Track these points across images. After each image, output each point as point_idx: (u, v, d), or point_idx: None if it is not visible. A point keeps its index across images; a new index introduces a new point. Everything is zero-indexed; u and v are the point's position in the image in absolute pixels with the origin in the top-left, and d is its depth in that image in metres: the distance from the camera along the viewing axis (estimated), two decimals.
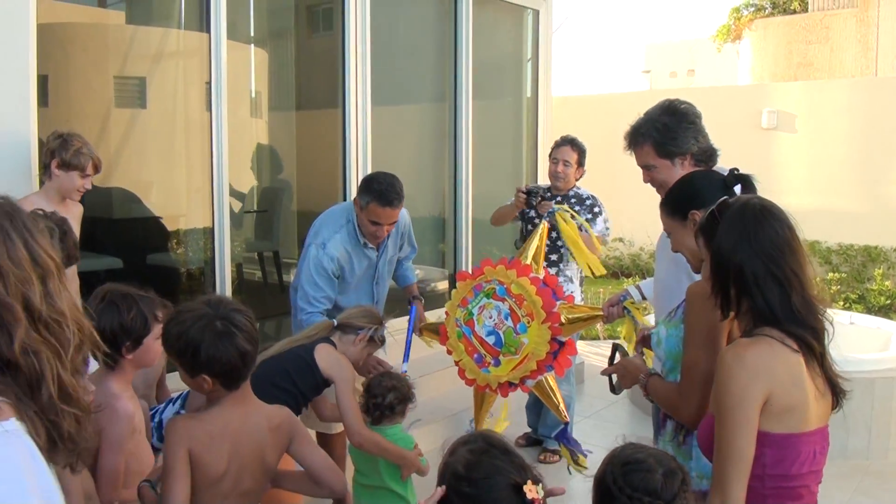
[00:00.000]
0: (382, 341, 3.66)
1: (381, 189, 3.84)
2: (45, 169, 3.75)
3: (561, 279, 4.79)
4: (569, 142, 5.23)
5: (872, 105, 10.20)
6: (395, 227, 4.14)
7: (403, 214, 4.26)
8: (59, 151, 3.69)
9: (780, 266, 2.07)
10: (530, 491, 1.82)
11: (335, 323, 3.62)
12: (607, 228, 5.16)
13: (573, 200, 5.12)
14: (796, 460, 2.05)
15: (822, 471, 2.14)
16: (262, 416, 2.37)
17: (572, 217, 4.76)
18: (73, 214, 3.87)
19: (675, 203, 2.69)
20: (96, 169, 3.81)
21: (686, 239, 2.61)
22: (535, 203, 4.96)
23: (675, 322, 2.61)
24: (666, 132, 3.16)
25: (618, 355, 2.97)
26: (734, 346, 2.09)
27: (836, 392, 2.13)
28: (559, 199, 5.13)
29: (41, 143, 3.99)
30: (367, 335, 3.55)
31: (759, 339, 2.05)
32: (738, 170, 2.70)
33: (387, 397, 3.36)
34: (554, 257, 5.04)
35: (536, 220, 4.90)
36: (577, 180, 5.25)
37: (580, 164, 5.21)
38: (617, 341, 3.27)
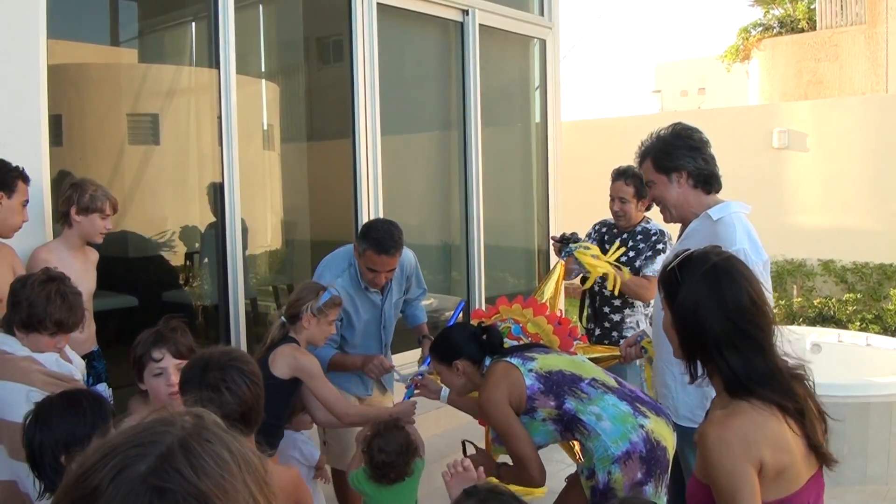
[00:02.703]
0: (337, 304, 3.66)
1: (378, 237, 3.83)
2: (64, 217, 3.79)
3: (627, 325, 4.65)
4: (621, 175, 4.68)
5: (884, 122, 10.18)
6: (400, 270, 4.16)
7: (409, 257, 4.27)
8: (75, 198, 3.74)
9: (750, 329, 2.03)
10: None
11: (283, 320, 3.66)
12: None
13: (640, 237, 4.67)
14: None
15: None
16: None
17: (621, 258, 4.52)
18: (91, 260, 3.95)
19: (440, 354, 3.45)
20: (114, 209, 3.86)
21: (453, 379, 3.44)
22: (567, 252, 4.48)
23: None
24: (663, 147, 3.29)
25: (468, 447, 3.51)
26: (713, 424, 2.01)
27: (820, 455, 2.04)
28: (625, 236, 4.71)
29: (54, 184, 4.05)
30: (310, 313, 3.57)
31: (733, 409, 2.00)
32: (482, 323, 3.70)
33: (394, 469, 3.29)
34: (617, 302, 4.66)
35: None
36: (644, 212, 4.73)
37: (641, 195, 4.62)
38: (465, 438, 3.64)
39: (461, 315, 4.31)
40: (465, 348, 3.43)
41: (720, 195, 3.35)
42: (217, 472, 0.95)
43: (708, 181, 3.28)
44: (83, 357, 3.67)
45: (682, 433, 3.21)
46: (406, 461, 3.28)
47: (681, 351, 2.14)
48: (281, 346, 3.54)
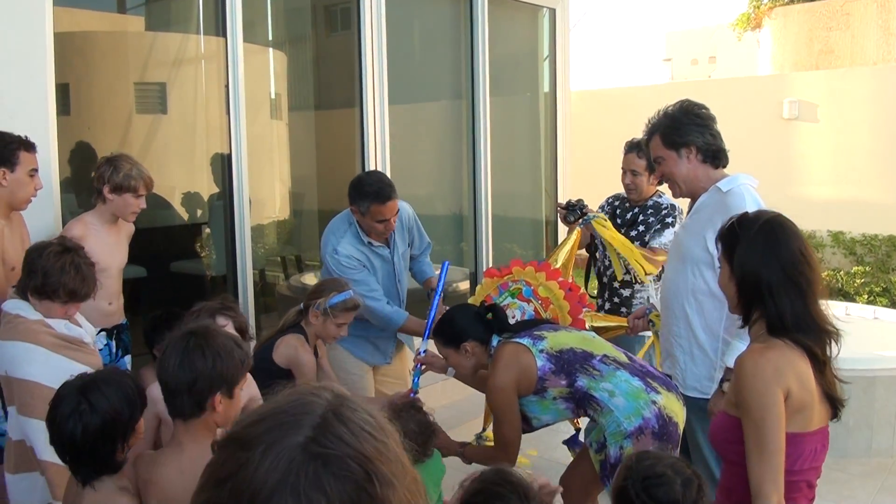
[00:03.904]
0: (350, 307, 3.64)
1: (375, 189, 3.92)
2: (97, 194, 3.74)
3: (636, 301, 4.55)
4: (634, 147, 4.55)
5: (895, 93, 10.09)
6: (399, 221, 4.20)
7: (406, 209, 4.31)
8: (109, 176, 3.68)
9: (797, 276, 2.23)
10: None
11: (301, 307, 3.70)
12: None
13: (650, 211, 4.58)
14: (799, 458, 2.18)
15: (821, 466, 2.29)
16: None
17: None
18: (125, 233, 3.92)
19: (447, 338, 3.45)
20: (148, 188, 3.80)
21: (461, 361, 3.43)
22: (572, 220, 4.40)
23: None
24: (671, 123, 3.35)
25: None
26: (751, 353, 2.22)
27: (834, 404, 2.27)
28: (636, 210, 4.63)
29: (62, 153, 4.03)
30: (317, 311, 3.58)
31: (771, 343, 2.21)
32: (493, 304, 3.62)
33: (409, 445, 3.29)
34: (627, 277, 4.55)
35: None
36: (656, 186, 4.61)
37: (652, 169, 4.38)
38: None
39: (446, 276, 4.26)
40: (471, 329, 3.42)
41: (728, 169, 3.39)
42: (372, 436, 0.97)
43: (716, 156, 3.32)
44: (112, 329, 3.76)
45: (690, 403, 3.26)
46: (423, 441, 3.22)
47: (737, 301, 2.35)
48: (288, 335, 3.58)
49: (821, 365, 2.22)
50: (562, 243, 4.44)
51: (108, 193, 3.69)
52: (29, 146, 3.48)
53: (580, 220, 4.36)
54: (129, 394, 2.33)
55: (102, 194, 3.70)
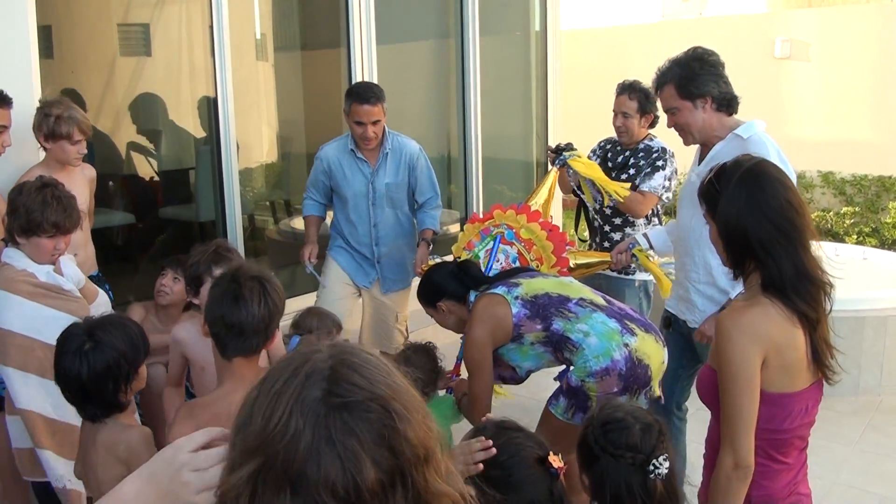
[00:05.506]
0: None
1: (358, 90, 4.25)
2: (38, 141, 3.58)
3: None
4: (626, 89, 4.49)
5: (888, 32, 9.99)
6: (400, 153, 4.39)
7: (413, 148, 4.46)
8: (41, 124, 3.50)
9: (787, 226, 2.10)
10: (555, 461, 1.89)
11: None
12: (665, 187, 4.44)
13: (641, 155, 4.52)
14: (788, 417, 2.13)
15: (815, 418, 2.22)
16: None
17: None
18: (83, 178, 3.76)
19: (426, 298, 3.57)
20: (84, 132, 3.57)
21: (443, 319, 3.56)
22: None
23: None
24: (687, 73, 3.25)
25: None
26: (731, 311, 2.16)
27: (822, 369, 2.17)
28: (627, 153, 4.58)
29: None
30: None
31: (754, 302, 2.11)
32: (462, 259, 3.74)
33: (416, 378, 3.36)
34: (618, 220, 4.55)
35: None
36: (648, 129, 4.55)
37: (644, 111, 4.46)
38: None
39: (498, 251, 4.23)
40: (445, 287, 3.51)
41: None
42: (381, 376, 1.04)
43: (730, 104, 3.28)
44: None
45: None
46: (430, 374, 3.49)
47: (728, 258, 2.22)
48: None
49: (814, 323, 2.11)
50: (540, 184, 4.43)
51: (43, 142, 3.53)
52: (1, 101, 3.31)
53: (556, 161, 4.34)
54: (133, 338, 2.40)
55: (40, 143, 3.55)
